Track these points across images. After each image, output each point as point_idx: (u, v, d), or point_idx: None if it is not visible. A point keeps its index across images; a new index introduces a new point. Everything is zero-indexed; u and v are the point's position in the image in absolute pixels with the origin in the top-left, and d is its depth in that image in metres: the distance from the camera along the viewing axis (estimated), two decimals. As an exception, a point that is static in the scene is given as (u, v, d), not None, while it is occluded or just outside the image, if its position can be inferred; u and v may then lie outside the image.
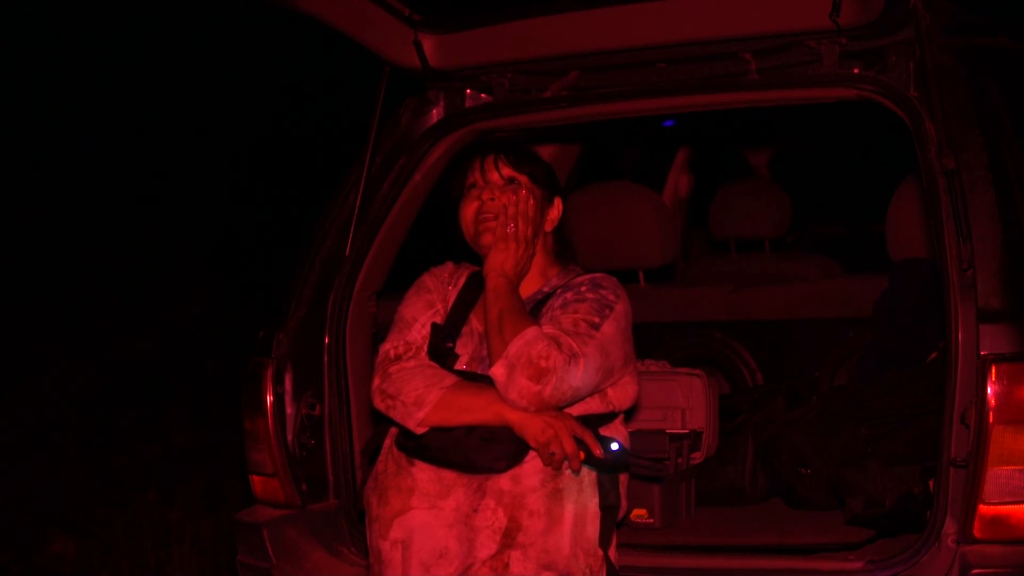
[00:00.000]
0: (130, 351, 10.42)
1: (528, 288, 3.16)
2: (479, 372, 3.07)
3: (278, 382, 3.70)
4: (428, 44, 3.75)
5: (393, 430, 3.10)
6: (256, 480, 3.78)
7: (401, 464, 3.05)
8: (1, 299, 10.65)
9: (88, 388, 9.44)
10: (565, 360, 2.89)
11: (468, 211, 3.15)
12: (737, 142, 6.43)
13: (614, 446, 2.96)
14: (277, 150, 13.26)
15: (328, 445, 3.76)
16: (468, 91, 3.87)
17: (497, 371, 2.91)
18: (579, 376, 2.91)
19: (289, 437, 3.70)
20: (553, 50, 3.68)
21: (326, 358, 3.78)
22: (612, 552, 3.06)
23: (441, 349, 3.10)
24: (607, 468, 2.99)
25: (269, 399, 3.70)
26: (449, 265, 3.31)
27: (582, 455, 2.93)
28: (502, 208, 3.10)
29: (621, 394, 3.09)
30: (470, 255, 3.26)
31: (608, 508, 3.02)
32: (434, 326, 3.13)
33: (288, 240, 5.68)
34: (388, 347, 3.13)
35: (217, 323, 10.87)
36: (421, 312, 3.17)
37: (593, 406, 3.03)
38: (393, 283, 3.87)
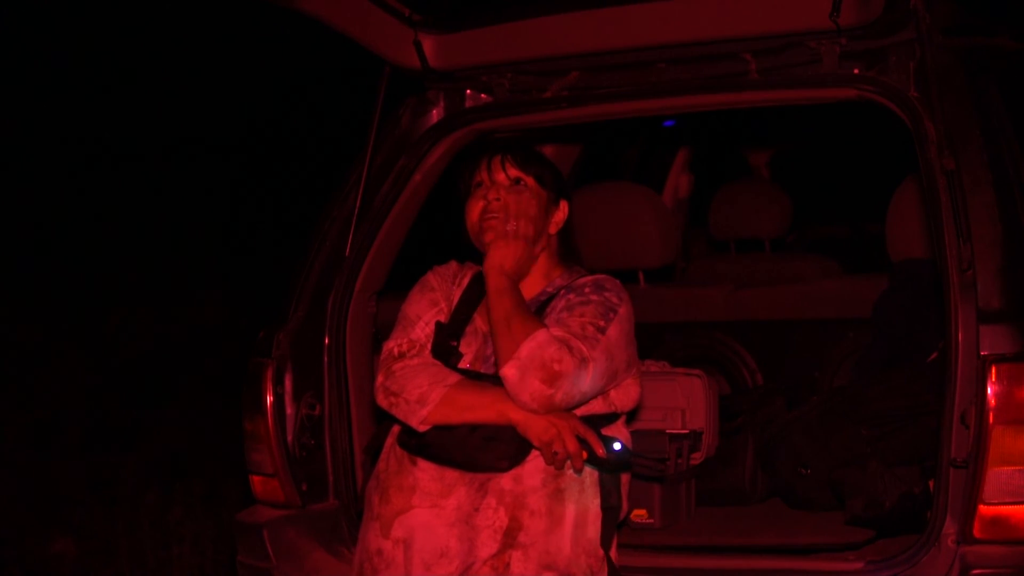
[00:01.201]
0: (130, 351, 10.42)
1: (531, 289, 3.16)
2: (483, 371, 3.07)
3: (278, 382, 3.70)
4: (428, 44, 3.75)
5: (395, 429, 3.10)
6: (256, 480, 3.79)
7: (403, 462, 3.05)
8: (1, 298, 10.65)
9: (88, 387, 9.43)
10: (576, 364, 2.90)
11: (474, 210, 3.15)
12: (737, 142, 6.43)
13: (616, 446, 2.97)
14: (277, 150, 13.26)
15: (328, 445, 3.76)
16: (468, 91, 3.87)
17: (509, 372, 2.91)
18: (588, 381, 2.92)
19: (289, 437, 3.70)
20: (553, 50, 3.68)
21: (326, 358, 3.78)
22: (613, 553, 3.06)
23: (445, 348, 3.10)
24: (610, 468, 3.00)
25: (269, 399, 3.70)
26: (453, 264, 3.31)
27: (585, 454, 2.93)
28: (504, 207, 3.10)
29: (623, 396, 3.10)
30: (472, 254, 3.26)
31: (609, 509, 3.02)
32: (438, 324, 3.13)
33: (288, 240, 5.68)
34: (392, 345, 3.13)
35: (218, 322, 10.87)
36: (425, 310, 3.17)
37: (595, 407, 3.03)
38: (393, 283, 3.87)
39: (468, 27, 3.71)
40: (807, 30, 3.38)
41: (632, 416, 3.33)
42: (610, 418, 3.08)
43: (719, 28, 3.48)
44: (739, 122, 5.34)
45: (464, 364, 3.09)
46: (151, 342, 10.64)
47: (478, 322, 3.16)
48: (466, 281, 3.24)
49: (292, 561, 3.65)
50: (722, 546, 3.58)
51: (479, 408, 2.95)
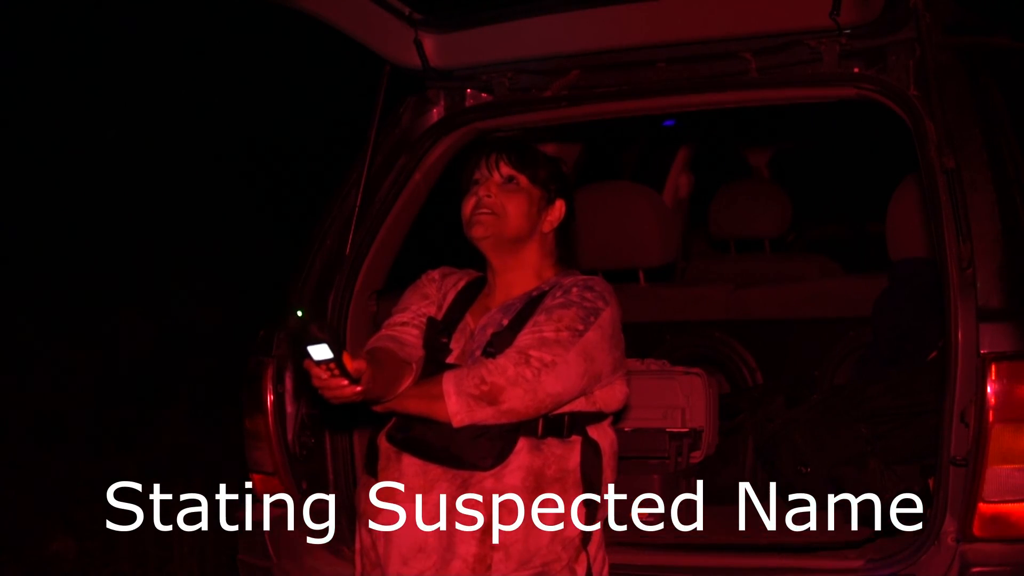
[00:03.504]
0: (130, 350, 10.43)
1: (523, 286, 3.16)
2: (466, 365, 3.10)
3: (278, 381, 3.71)
4: (428, 43, 3.76)
5: (384, 430, 3.12)
6: (256, 479, 3.79)
7: (390, 457, 3.07)
8: (1, 298, 10.66)
9: (88, 387, 9.44)
10: (534, 373, 2.92)
11: (467, 206, 3.18)
12: (737, 142, 6.43)
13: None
14: (278, 149, 13.27)
15: (328, 444, 3.77)
16: (468, 90, 3.87)
17: (452, 408, 2.92)
18: (558, 384, 2.94)
19: (289, 436, 3.70)
20: (553, 49, 3.68)
21: (326, 357, 3.77)
22: (594, 545, 3.07)
23: (435, 343, 3.13)
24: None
25: (269, 398, 3.70)
26: (451, 268, 3.33)
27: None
28: (494, 204, 3.12)
29: (608, 396, 3.10)
30: (472, 257, 3.27)
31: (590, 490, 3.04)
32: (430, 320, 3.17)
33: (288, 240, 5.68)
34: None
35: (217, 322, 10.88)
36: (414, 301, 3.24)
37: (579, 405, 3.03)
38: (393, 283, 3.88)
39: (468, 26, 3.72)
40: (807, 29, 3.38)
41: (632, 415, 3.33)
42: (596, 417, 3.08)
43: (719, 27, 3.48)
44: (739, 122, 5.34)
45: (452, 359, 3.11)
46: (151, 342, 10.65)
47: (469, 320, 3.18)
48: (462, 284, 3.27)
49: (292, 559, 3.65)
50: (722, 544, 3.58)
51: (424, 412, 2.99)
